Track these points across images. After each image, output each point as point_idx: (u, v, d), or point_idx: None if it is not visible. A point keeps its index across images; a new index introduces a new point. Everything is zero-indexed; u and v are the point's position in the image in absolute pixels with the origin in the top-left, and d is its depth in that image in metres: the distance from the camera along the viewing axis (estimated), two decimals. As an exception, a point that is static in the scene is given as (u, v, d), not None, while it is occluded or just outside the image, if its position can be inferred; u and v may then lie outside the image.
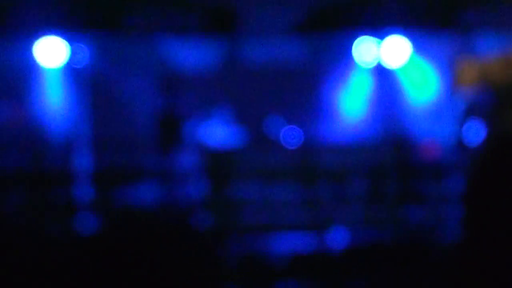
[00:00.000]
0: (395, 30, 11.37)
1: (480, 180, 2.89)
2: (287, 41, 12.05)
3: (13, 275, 4.26)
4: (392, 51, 11.46)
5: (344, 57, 12.25)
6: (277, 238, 10.43)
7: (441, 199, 11.02)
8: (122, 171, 11.24)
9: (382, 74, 12.06)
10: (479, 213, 2.57)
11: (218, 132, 12.17)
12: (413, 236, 10.62)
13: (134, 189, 10.91)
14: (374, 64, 11.88)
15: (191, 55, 11.92)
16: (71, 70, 11.24)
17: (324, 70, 12.75)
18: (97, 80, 11.89)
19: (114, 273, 4.37)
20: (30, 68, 11.30)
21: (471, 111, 11.90)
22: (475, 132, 11.73)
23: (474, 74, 12.45)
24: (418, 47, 11.94)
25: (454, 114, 12.04)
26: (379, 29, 11.36)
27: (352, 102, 12.83)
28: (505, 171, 2.80)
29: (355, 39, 11.83)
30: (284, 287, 9.81)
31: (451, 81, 12.63)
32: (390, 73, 12.11)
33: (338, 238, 10.41)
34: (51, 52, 10.74)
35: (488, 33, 11.50)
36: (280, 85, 12.91)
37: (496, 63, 12.40)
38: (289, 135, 12.16)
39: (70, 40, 10.85)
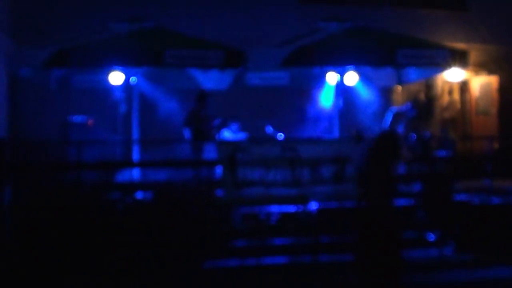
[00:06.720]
0: (350, 65, 13.38)
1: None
2: (277, 72, 13.90)
3: (93, 228, 8.81)
4: (349, 77, 13.73)
5: (318, 80, 14.30)
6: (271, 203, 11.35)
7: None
8: (165, 159, 12.15)
9: (342, 89, 13.96)
10: None
11: (230, 132, 14.04)
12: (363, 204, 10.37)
13: (174, 171, 11.77)
14: (337, 83, 13.91)
15: (214, 80, 13.75)
16: (126, 88, 13.47)
17: (302, 90, 15.14)
18: (146, 96, 14.14)
19: (161, 226, 9.20)
20: (105, 86, 13.77)
21: (399, 118, 14.14)
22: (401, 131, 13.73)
23: (403, 95, 15.46)
24: (366, 77, 14.25)
25: (390, 120, 14.22)
26: (340, 64, 13.25)
27: (322, 109, 14.89)
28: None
29: (326, 68, 13.77)
30: (275, 239, 11.06)
31: (388, 99, 15.40)
32: (347, 89, 14.07)
33: (312, 205, 11.30)
34: (116, 77, 13.36)
35: (412, 68, 13.74)
36: (272, 101, 15.36)
37: (417, 88, 15.30)
38: (278, 133, 13.85)
39: (129, 71, 13.26)
